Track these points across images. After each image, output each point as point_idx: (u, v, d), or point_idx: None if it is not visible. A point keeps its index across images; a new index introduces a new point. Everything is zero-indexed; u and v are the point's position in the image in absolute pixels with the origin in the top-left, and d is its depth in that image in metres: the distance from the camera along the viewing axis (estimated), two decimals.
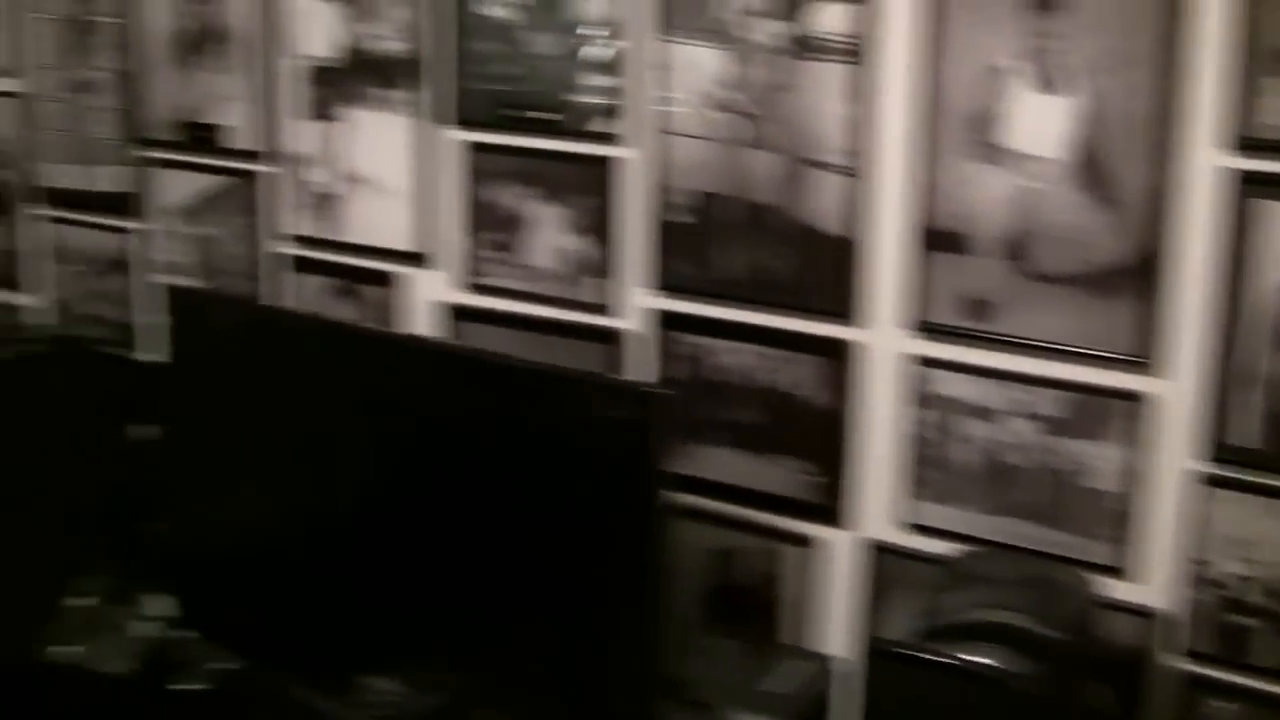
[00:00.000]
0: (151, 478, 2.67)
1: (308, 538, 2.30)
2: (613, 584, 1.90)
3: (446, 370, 2.07)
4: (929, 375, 1.94)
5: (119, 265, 2.83)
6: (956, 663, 1.63)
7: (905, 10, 1.88)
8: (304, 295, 2.54)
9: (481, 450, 2.02)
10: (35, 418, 2.68)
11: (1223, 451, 1.78)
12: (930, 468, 1.97)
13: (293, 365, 2.26)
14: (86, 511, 2.70)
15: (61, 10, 2.80)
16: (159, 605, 2.55)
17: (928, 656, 1.65)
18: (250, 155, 2.56)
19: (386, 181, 2.38)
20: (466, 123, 2.28)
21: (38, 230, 2.97)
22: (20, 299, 3.05)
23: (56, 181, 2.91)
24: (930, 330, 1.93)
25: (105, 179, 2.81)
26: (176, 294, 2.43)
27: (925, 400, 1.95)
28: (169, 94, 2.66)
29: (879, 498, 2.02)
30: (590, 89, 2.15)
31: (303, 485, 2.29)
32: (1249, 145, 1.70)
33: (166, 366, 2.46)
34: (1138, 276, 1.79)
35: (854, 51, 1.92)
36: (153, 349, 2.75)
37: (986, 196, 1.86)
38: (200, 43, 2.58)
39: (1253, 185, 1.71)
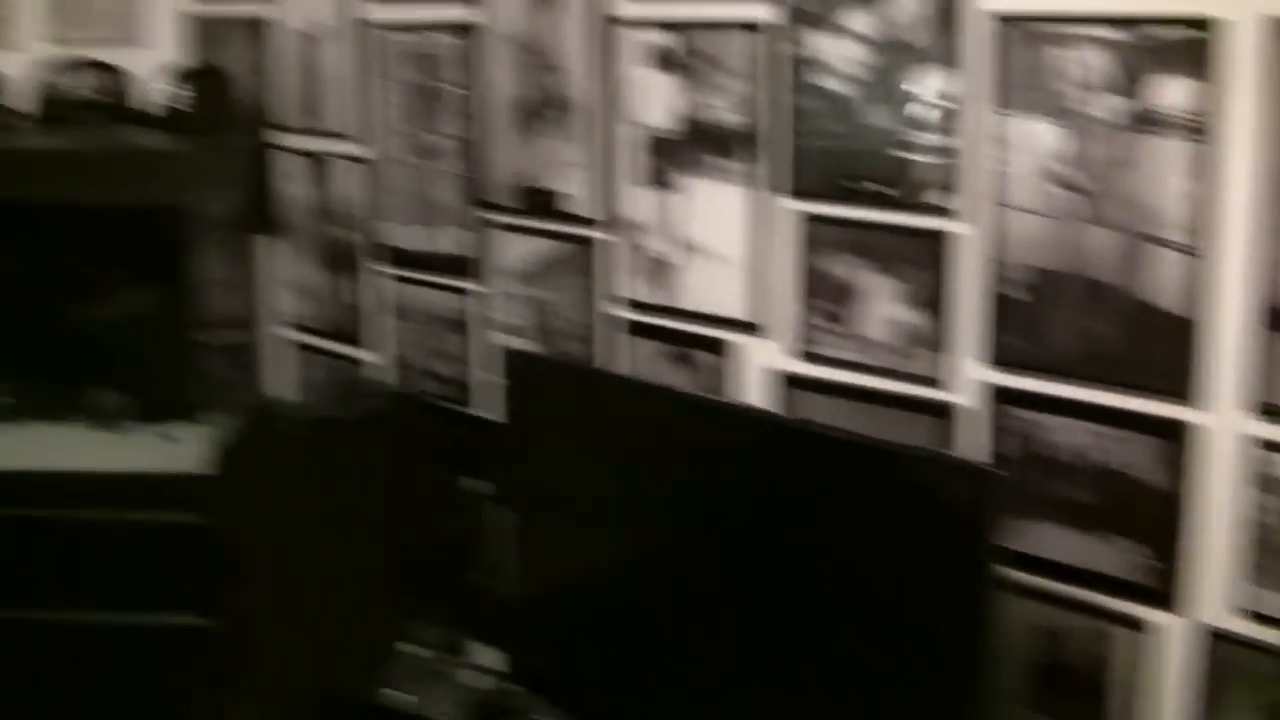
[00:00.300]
0: (484, 531, 3.01)
1: (633, 598, 2.55)
2: (939, 659, 2.07)
3: (776, 440, 2.30)
4: (1272, 459, 2.06)
5: (457, 324, 3.17)
6: None
7: (1250, 85, 2.01)
8: (637, 359, 2.81)
9: (809, 520, 2.23)
10: (375, 470, 3.04)
11: None
12: (1271, 554, 2.07)
13: (623, 429, 2.53)
14: (422, 562, 3.04)
15: (409, 79, 3.19)
16: (489, 657, 2.86)
17: None
18: (588, 221, 2.85)
19: (721, 250, 2.64)
20: (801, 193, 2.51)
21: (380, 288, 3.37)
22: (362, 354, 3.46)
23: (400, 242, 3.28)
24: (1274, 413, 2.05)
25: (446, 240, 3.16)
26: (513, 356, 2.75)
27: (1267, 484, 2.07)
28: (510, 160, 2.99)
29: (1215, 583, 2.13)
30: (926, 162, 2.35)
31: (630, 546, 2.54)
32: None
33: (501, 424, 2.78)
34: None
35: (1197, 128, 2.06)
36: (488, 406, 3.08)
37: None
38: (541, 111, 2.90)
39: None
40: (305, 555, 3.06)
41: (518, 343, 3.01)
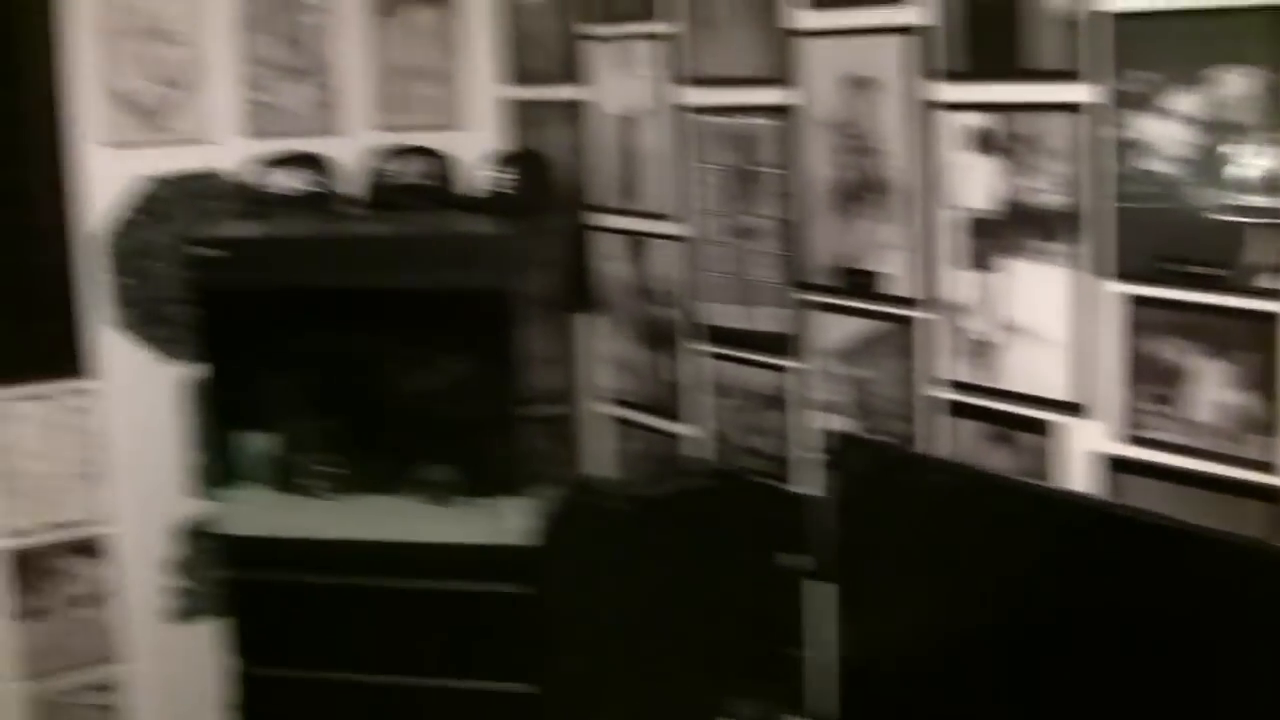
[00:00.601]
0: (802, 605, 3.17)
1: (951, 676, 2.68)
2: None
3: (1100, 526, 2.41)
4: None
5: (775, 401, 3.35)
6: None
7: None
8: (957, 439, 2.94)
9: (1134, 609, 2.32)
10: (693, 544, 3.22)
11: None
12: None
13: (943, 509, 2.67)
14: (740, 635, 3.21)
15: (726, 160, 3.40)
16: None
17: None
18: (907, 302, 3.00)
19: (1044, 331, 2.75)
20: (1126, 276, 2.61)
21: (699, 365, 3.57)
22: (681, 429, 3.66)
23: (717, 319, 3.49)
24: None
25: (764, 319, 3.35)
26: (834, 437, 2.92)
27: None
28: (828, 240, 3.16)
29: None
30: (1255, 243, 2.42)
31: (949, 626, 2.68)
32: None
33: (819, 500, 2.95)
34: None
35: None
36: (806, 482, 3.25)
37: None
38: (859, 192, 3.07)
39: None
40: (625, 627, 3.25)
41: (836, 420, 3.17)
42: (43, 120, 3.62)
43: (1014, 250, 2.79)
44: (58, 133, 3.64)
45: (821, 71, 3.12)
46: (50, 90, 3.62)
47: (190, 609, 3.94)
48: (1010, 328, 2.81)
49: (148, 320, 3.79)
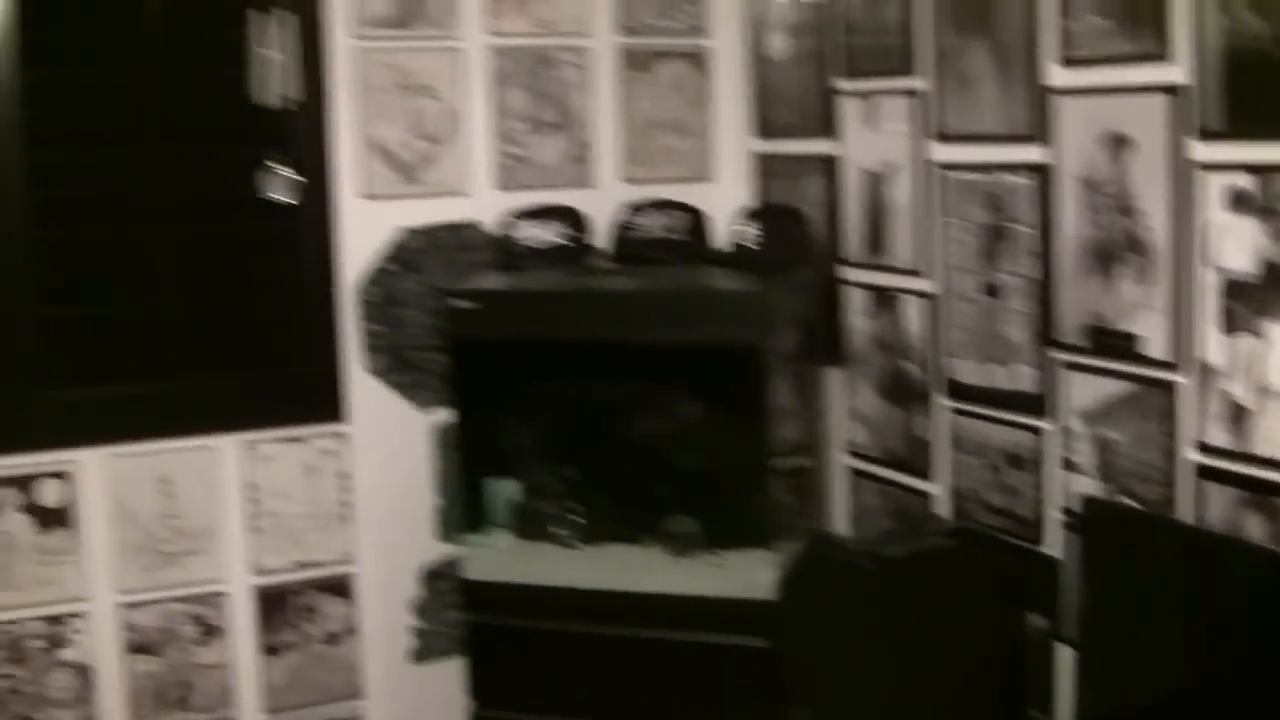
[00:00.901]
0: (1042, 665, 3.20)
1: None
2: None
3: None
4: None
5: (1020, 460, 3.38)
6: None
7: None
8: (1212, 505, 2.92)
9: None
10: (934, 602, 3.27)
11: None
12: None
13: (1191, 576, 2.68)
14: (980, 693, 3.25)
15: (977, 217, 3.44)
16: None
17: None
18: (1161, 364, 3.00)
19: None
20: None
21: (943, 421, 3.62)
22: (924, 486, 3.70)
23: (963, 376, 3.53)
24: None
25: (1011, 377, 3.38)
26: (1079, 499, 2.94)
27: None
28: (1079, 299, 3.18)
29: None
30: None
31: (1195, 695, 2.70)
32: None
33: (1060, 561, 2.97)
34: None
35: None
36: (1048, 542, 3.28)
37: None
38: (1114, 252, 3.09)
39: None
40: (863, 685, 3.31)
41: (1080, 482, 3.19)
42: (309, 173, 3.85)
43: (1274, 314, 2.79)
44: (323, 185, 3.86)
45: (1077, 129, 3.15)
46: (319, 143, 3.85)
47: (430, 650, 4.10)
48: (1270, 393, 2.82)
49: (396, 367, 3.98)
